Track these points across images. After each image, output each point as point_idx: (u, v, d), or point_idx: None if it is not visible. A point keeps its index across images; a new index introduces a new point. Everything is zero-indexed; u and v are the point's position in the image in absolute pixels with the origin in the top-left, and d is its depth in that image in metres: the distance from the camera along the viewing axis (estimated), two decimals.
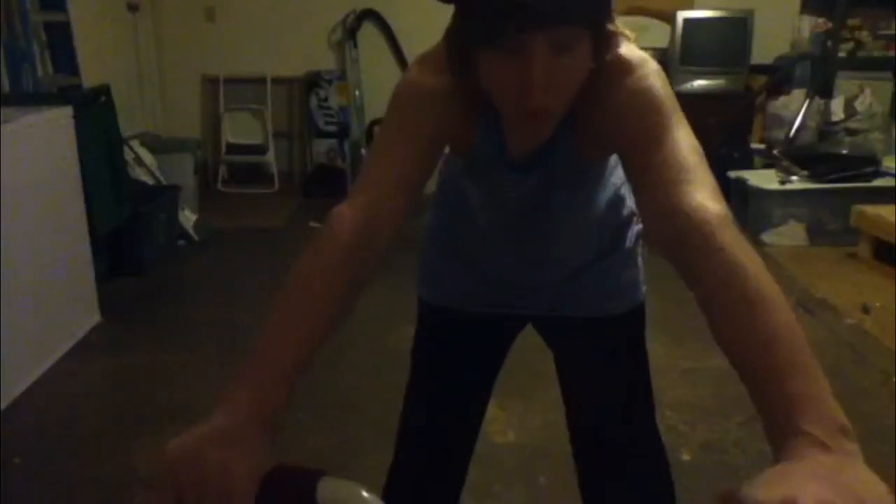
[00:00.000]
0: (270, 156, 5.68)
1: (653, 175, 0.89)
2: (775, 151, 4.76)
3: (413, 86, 1.03)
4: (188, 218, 4.49)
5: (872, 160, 4.55)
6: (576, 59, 0.91)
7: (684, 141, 0.90)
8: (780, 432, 0.64)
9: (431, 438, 1.34)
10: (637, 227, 1.32)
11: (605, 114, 0.99)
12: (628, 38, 1.00)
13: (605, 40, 0.94)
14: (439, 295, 1.36)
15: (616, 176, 1.25)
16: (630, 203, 1.30)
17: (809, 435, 0.62)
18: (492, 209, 1.24)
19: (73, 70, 4.07)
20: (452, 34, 0.98)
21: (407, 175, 0.97)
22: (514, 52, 0.88)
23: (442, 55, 1.02)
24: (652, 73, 0.98)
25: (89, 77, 4.13)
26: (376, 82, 5.56)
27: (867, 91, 4.97)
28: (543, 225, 1.22)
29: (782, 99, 5.14)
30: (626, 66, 0.98)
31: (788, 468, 0.60)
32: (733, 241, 0.78)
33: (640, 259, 1.34)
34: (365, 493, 0.71)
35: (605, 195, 1.24)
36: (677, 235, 0.81)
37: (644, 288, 1.34)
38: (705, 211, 0.81)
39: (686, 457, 2.29)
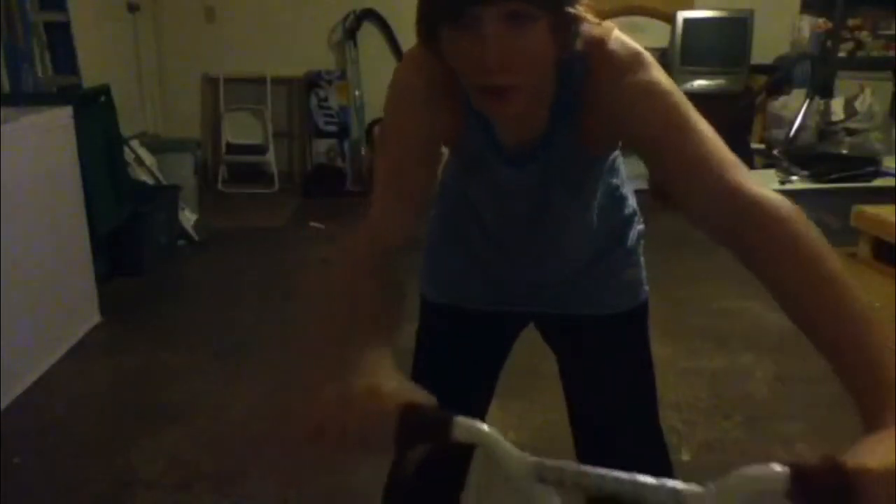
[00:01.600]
0: (270, 156, 5.68)
1: (697, 165, 0.91)
2: (775, 151, 4.77)
3: (399, 88, 1.07)
4: (188, 218, 4.49)
5: (872, 160, 4.56)
6: (533, 37, 0.91)
7: (710, 130, 0.94)
8: (874, 413, 0.70)
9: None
10: (639, 227, 1.32)
11: (613, 110, 0.99)
12: (594, 23, 0.99)
13: (567, 23, 0.94)
14: (442, 292, 1.36)
15: (615, 176, 1.25)
16: (632, 202, 1.30)
17: None
18: (491, 205, 1.24)
19: (73, 70, 4.07)
20: (419, 18, 0.99)
21: (409, 186, 1.04)
22: (469, 27, 0.90)
23: (423, 50, 1.03)
24: (652, 65, 0.99)
25: (89, 77, 4.13)
26: (376, 82, 5.55)
27: (867, 91, 4.98)
28: (543, 221, 1.22)
29: (782, 99, 5.14)
30: (625, 60, 0.99)
31: (883, 436, 0.66)
32: (807, 226, 0.83)
33: (641, 258, 1.34)
34: (496, 434, 0.75)
35: (604, 194, 1.24)
36: (740, 220, 0.85)
37: (646, 287, 1.34)
38: (770, 198, 0.85)
39: (686, 457, 2.29)
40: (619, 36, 1.01)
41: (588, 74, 1.01)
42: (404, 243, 1.03)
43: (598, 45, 1.00)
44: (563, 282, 1.30)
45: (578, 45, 0.98)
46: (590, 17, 0.97)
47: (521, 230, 1.25)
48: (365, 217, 1.04)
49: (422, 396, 0.78)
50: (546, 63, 0.95)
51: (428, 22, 0.96)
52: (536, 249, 1.27)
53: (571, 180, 1.16)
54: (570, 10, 0.94)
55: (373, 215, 1.03)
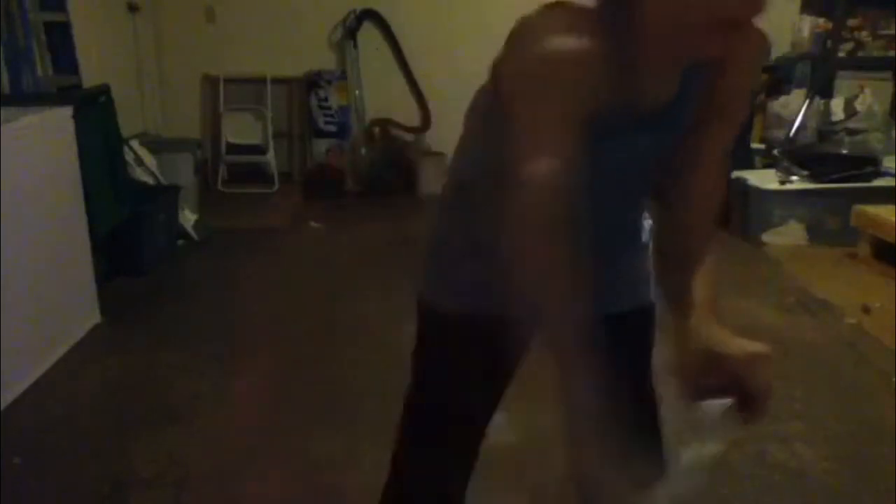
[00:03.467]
0: (270, 156, 5.68)
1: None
2: (775, 151, 4.76)
3: (552, 62, 0.94)
4: (188, 218, 4.49)
5: (872, 160, 4.55)
6: None
7: None
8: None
9: (439, 451, 1.28)
10: (647, 222, 1.24)
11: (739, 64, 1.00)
12: None
13: None
14: (463, 301, 1.21)
15: None
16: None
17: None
18: (601, 187, 1.04)
19: (73, 70, 4.06)
20: None
21: (570, 161, 0.95)
22: None
23: (567, 17, 0.95)
24: None
25: (89, 77, 4.13)
26: (376, 82, 5.56)
27: (867, 91, 4.97)
28: (637, 202, 1.14)
29: (782, 99, 5.13)
30: None
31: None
32: None
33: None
34: None
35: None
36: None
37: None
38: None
39: None
40: None
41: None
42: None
43: None
44: (624, 273, 1.20)
45: None
46: None
47: (620, 215, 1.13)
48: (527, 173, 0.95)
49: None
50: None
51: None
52: (623, 236, 1.16)
53: (676, 144, 1.04)
54: None
55: (540, 171, 0.94)
